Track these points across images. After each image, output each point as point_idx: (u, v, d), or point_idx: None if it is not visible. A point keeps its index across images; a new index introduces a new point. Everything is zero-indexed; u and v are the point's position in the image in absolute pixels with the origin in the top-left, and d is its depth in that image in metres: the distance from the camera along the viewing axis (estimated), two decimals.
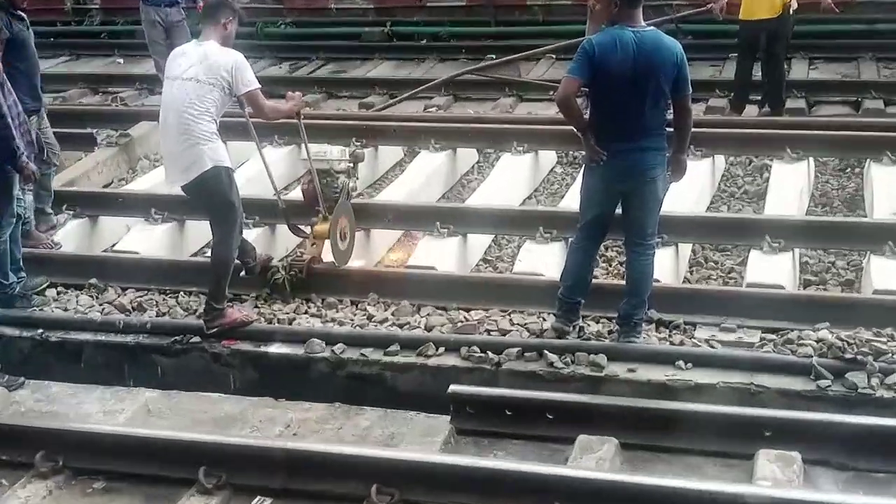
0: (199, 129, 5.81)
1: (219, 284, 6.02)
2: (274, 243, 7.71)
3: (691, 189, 7.75)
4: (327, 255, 6.74)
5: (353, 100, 12.48)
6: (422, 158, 9.31)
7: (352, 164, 6.87)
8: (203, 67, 5.82)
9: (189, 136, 5.81)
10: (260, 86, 5.92)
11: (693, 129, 5.57)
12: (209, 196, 5.96)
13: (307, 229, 6.82)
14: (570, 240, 6.46)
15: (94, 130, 10.16)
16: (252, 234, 7.41)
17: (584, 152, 5.56)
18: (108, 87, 13.19)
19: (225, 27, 5.98)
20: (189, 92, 5.80)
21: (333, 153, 6.72)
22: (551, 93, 11.59)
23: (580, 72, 5.22)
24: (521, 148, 9.09)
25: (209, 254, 6.43)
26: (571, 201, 7.86)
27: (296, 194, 7.72)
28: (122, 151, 9.63)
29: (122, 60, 15.12)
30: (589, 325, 5.99)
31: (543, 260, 6.88)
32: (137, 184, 8.95)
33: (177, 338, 6.09)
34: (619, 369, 5.46)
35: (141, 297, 6.71)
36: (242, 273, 6.52)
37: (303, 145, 6.64)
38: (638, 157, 5.37)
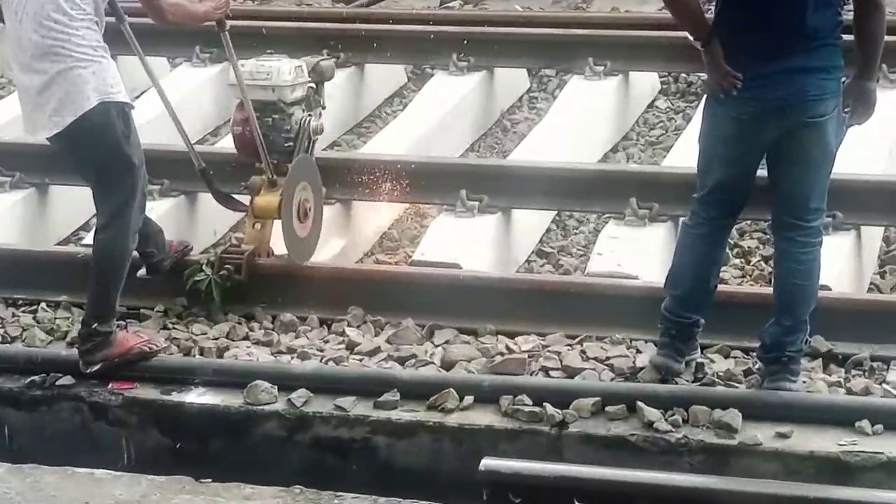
0: (73, 42, 5.83)
1: (106, 293, 6.05)
2: (194, 223, 7.78)
3: (883, 138, 7.69)
4: (279, 245, 6.77)
5: None
6: (436, 85, 9.34)
7: (313, 87, 6.87)
8: None
9: (58, 55, 5.83)
10: None
11: (887, 39, 5.57)
12: (93, 150, 5.99)
13: (247, 200, 6.85)
14: (681, 220, 6.45)
15: None
16: (159, 209, 7.44)
17: (704, 76, 5.56)
18: None
19: None
20: None
21: (282, 72, 6.71)
22: None
23: None
24: (601, 67, 9.13)
25: (89, 241, 6.43)
26: (683, 157, 7.87)
27: (228, 143, 7.74)
28: None
29: None
30: (712, 360, 5.99)
31: (636, 252, 6.89)
32: None
33: (35, 378, 6.10)
34: (762, 434, 5.45)
35: None
36: (142, 272, 6.56)
37: (230, 62, 6.65)
38: (797, 82, 5.38)
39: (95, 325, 6.02)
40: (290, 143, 6.73)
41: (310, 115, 6.81)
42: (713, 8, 5.58)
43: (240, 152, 6.80)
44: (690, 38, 5.60)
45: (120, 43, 6.79)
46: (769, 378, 5.66)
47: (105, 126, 5.91)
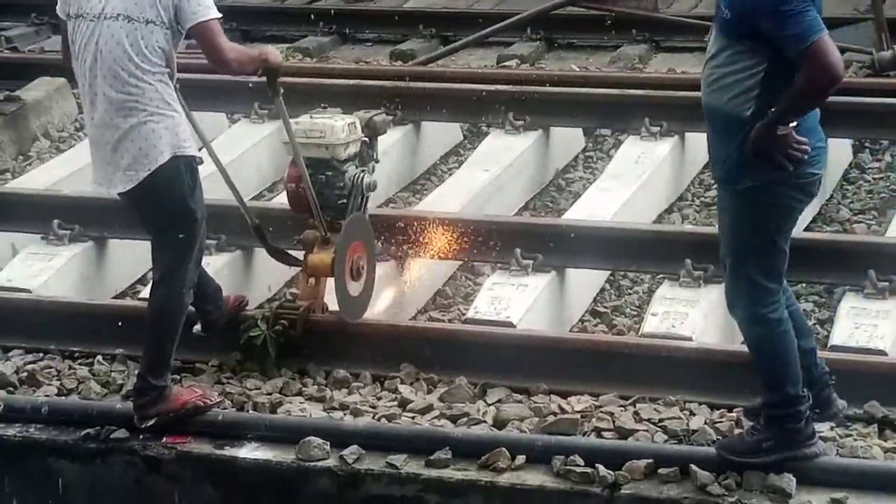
0: (147, 97, 5.89)
1: (161, 347, 6.08)
2: (250, 279, 7.80)
3: None
4: (334, 301, 6.78)
5: (381, 45, 12.58)
6: (492, 143, 9.35)
7: (366, 142, 6.89)
8: None
9: (132, 110, 5.89)
10: (220, 15, 6.00)
11: None
12: (160, 203, 6.03)
13: (301, 254, 6.86)
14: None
15: None
16: (216, 264, 7.48)
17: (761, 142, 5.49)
18: None
19: None
20: (120, 38, 5.87)
21: (335, 130, 6.73)
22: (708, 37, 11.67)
23: (818, 21, 5.31)
24: (657, 128, 9.15)
25: (146, 295, 6.46)
26: None
27: (284, 198, 7.75)
28: (7, 126, 9.78)
29: None
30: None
31: (691, 314, 6.87)
32: (31, 178, 9.08)
33: (90, 431, 6.11)
34: (816, 500, 5.41)
35: (33, 363, 6.77)
36: (198, 328, 6.58)
37: (283, 121, 6.66)
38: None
39: (150, 378, 6.03)
40: (344, 200, 6.74)
41: (363, 170, 6.82)
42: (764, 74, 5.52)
43: (293, 208, 6.82)
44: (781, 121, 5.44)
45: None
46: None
47: (174, 180, 5.97)
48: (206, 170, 8.28)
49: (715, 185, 8.90)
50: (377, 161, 7.02)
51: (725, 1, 5.37)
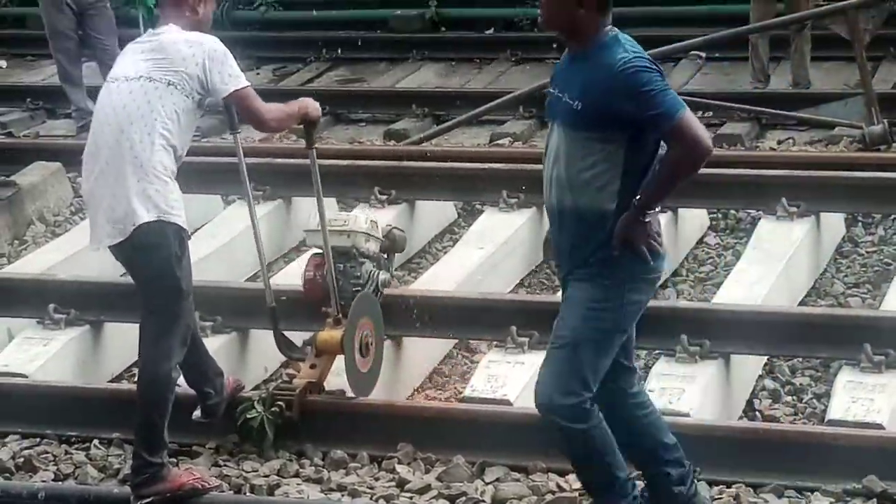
0: (146, 157, 5.94)
1: (151, 421, 6.05)
2: (245, 360, 7.79)
3: None
4: (331, 382, 6.76)
5: (374, 126, 12.63)
6: (487, 221, 9.37)
7: (386, 245, 6.97)
8: (158, 60, 6.00)
9: (133, 168, 5.94)
10: (249, 83, 6.15)
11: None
12: (145, 266, 6.06)
13: (306, 346, 6.93)
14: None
15: None
16: (212, 345, 7.41)
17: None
18: None
19: (195, 9, 6.16)
20: (136, 97, 5.96)
21: (359, 221, 6.86)
22: (700, 113, 11.74)
23: (678, 97, 5.25)
24: None
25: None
26: (733, 293, 7.86)
27: (284, 279, 7.75)
28: (3, 210, 9.78)
29: (4, 63, 15.49)
30: (766, 500, 5.95)
31: (687, 389, 6.86)
32: (26, 262, 9.08)
33: None
34: None
35: (30, 448, 6.75)
36: (197, 413, 6.56)
37: (316, 203, 6.74)
38: None
39: (146, 455, 6.00)
40: (359, 290, 6.81)
41: (377, 269, 6.91)
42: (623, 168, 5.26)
43: (307, 295, 6.87)
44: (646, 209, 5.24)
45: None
46: None
47: (160, 243, 5.97)
48: (202, 251, 8.39)
49: (709, 260, 9.04)
50: (392, 276, 7.12)
51: (574, 91, 5.23)
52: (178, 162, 6.07)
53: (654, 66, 5.21)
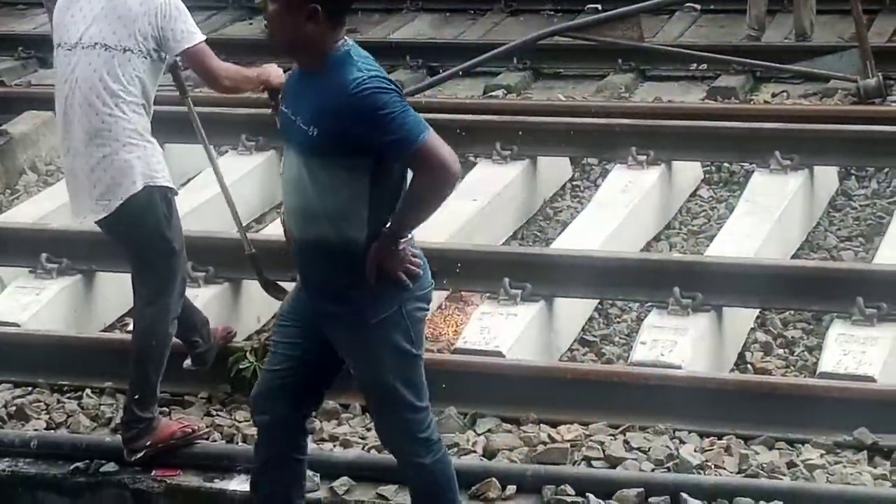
0: (120, 126, 5.87)
1: (146, 378, 6.03)
2: (238, 310, 7.76)
3: None
4: None
5: None
6: (480, 172, 9.35)
7: None
8: (110, 22, 5.88)
9: (105, 139, 5.88)
10: (204, 38, 6.00)
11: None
12: (135, 233, 6.03)
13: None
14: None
15: None
16: (204, 296, 7.45)
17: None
18: None
19: None
20: (97, 67, 5.87)
21: None
22: (695, 66, 11.70)
23: (421, 119, 4.79)
24: (644, 157, 9.14)
25: (131, 328, 6.44)
26: (726, 246, 7.84)
27: (274, 229, 7.70)
28: None
29: None
30: (756, 451, 5.93)
31: (679, 342, 6.84)
32: (19, 212, 9.07)
33: (79, 465, 6.08)
34: None
35: (22, 397, 6.75)
36: (188, 363, 6.55)
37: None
38: None
39: (137, 411, 6.00)
40: None
41: None
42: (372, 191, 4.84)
43: (288, 240, 6.76)
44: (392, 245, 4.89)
45: (173, 131, 6.86)
46: None
47: (148, 210, 5.94)
48: (194, 201, 8.36)
49: (702, 213, 9.00)
50: None
51: (306, 115, 4.79)
52: (150, 114, 6.01)
53: (392, 87, 4.74)
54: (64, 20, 6.01)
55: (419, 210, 4.85)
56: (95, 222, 6.06)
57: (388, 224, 4.83)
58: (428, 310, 5.13)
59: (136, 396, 6.02)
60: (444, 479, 5.21)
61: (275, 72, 6.25)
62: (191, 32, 5.94)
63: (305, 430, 5.37)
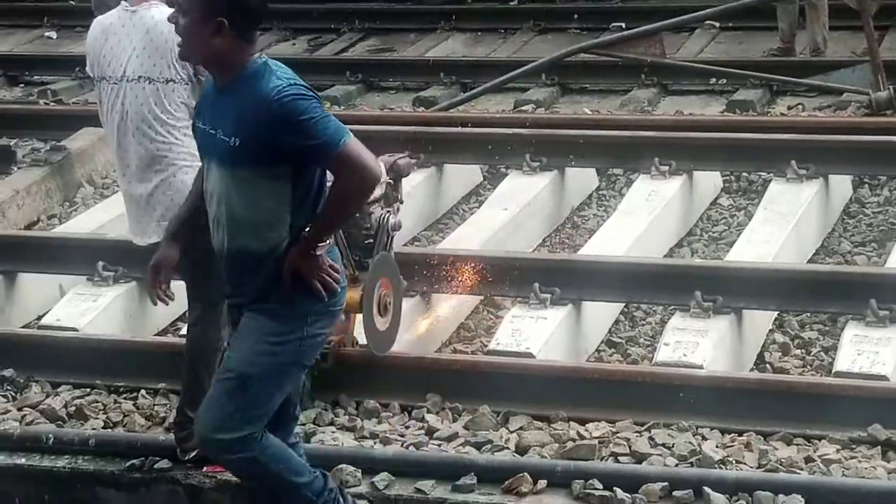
0: (175, 151, 5.94)
1: (199, 382, 6.04)
2: None
3: None
4: (364, 335, 6.78)
5: (405, 93, 12.62)
6: (511, 183, 9.38)
7: (391, 183, 6.90)
8: (150, 54, 5.88)
9: (162, 164, 5.94)
10: None
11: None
12: (192, 249, 5.98)
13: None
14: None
15: (12, 142, 10.39)
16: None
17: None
18: (32, 74, 13.52)
19: None
20: (144, 99, 5.91)
21: None
22: (715, 81, 11.73)
23: (341, 124, 4.80)
24: (666, 167, 9.16)
25: (185, 332, 6.50)
26: (745, 252, 7.85)
27: None
28: (53, 174, 9.84)
29: (54, 34, 15.50)
30: (775, 447, 5.95)
31: (701, 343, 6.87)
32: (77, 223, 9.13)
33: (135, 462, 6.11)
34: None
35: (81, 398, 6.79)
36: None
37: None
38: None
39: (189, 412, 5.98)
40: (370, 240, 6.72)
41: (388, 211, 6.79)
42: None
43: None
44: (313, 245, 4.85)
45: None
46: None
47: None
48: None
49: (722, 220, 9.03)
50: (401, 202, 7.03)
51: (228, 127, 4.75)
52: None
53: (312, 93, 4.74)
54: (102, 52, 6.01)
55: (340, 213, 4.84)
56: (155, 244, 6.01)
57: (308, 229, 4.81)
58: (332, 328, 5.10)
59: (189, 400, 6.04)
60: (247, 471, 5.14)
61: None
62: None
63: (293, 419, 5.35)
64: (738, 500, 5.47)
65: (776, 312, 7.57)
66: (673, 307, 7.39)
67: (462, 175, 9.92)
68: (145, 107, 5.91)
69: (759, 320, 7.44)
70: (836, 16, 12.40)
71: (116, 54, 5.96)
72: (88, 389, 6.88)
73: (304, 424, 6.38)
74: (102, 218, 9.00)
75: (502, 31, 14.43)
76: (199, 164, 5.87)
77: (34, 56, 14.12)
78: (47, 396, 6.83)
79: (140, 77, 5.91)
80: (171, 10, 5.71)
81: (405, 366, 6.77)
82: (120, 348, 7.14)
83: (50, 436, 6.34)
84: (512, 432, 6.25)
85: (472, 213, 9.33)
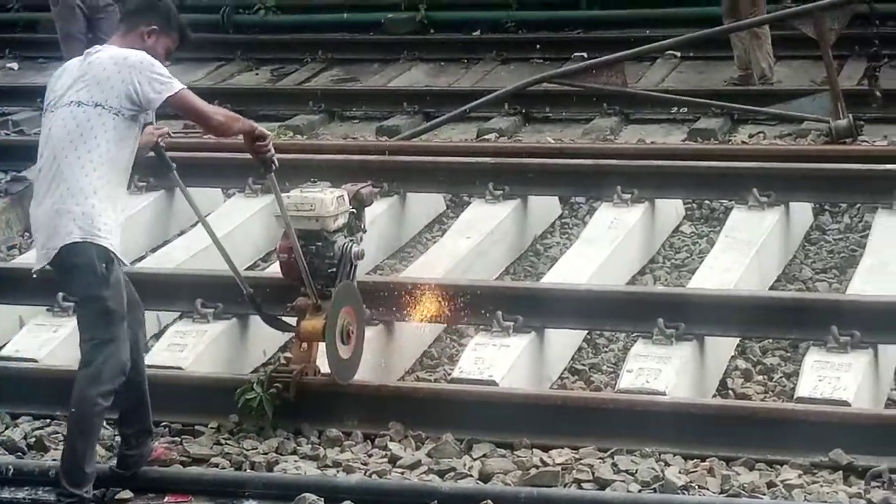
0: (75, 178, 5.75)
1: (75, 453, 5.81)
2: (245, 344, 7.77)
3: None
4: (326, 363, 6.75)
5: (368, 122, 12.63)
6: (474, 212, 9.38)
7: (354, 213, 6.88)
8: (86, 82, 5.83)
9: (59, 188, 5.79)
10: (182, 86, 5.89)
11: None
12: (69, 286, 5.97)
13: (294, 321, 6.84)
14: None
15: None
16: (213, 332, 7.53)
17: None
18: None
19: (144, 38, 5.99)
20: (67, 122, 5.81)
21: (325, 203, 6.68)
22: (676, 109, 11.78)
23: None
24: (629, 195, 9.16)
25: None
26: (707, 279, 7.86)
27: (275, 268, 7.74)
28: (13, 204, 9.83)
29: (16, 66, 15.47)
30: (737, 472, 5.96)
31: (664, 370, 6.86)
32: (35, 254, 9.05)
33: (95, 493, 6.04)
34: None
35: (41, 429, 6.77)
36: (113, 464, 6.27)
37: (275, 195, 6.63)
38: None
39: (67, 485, 5.79)
40: (333, 269, 6.72)
41: (351, 240, 6.79)
42: None
43: (286, 277, 6.80)
44: None
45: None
46: None
47: (84, 264, 5.76)
48: (205, 241, 8.37)
49: (684, 247, 9.05)
50: (364, 231, 7.02)
51: None
52: (123, 175, 5.88)
53: None
54: (54, 86, 5.98)
55: None
56: (49, 266, 5.86)
57: None
58: None
59: (67, 469, 5.81)
60: None
61: (258, 128, 6.22)
62: (169, 82, 5.82)
63: None
64: None
65: (738, 339, 7.58)
66: (636, 334, 7.40)
67: (425, 204, 9.91)
68: (66, 129, 5.78)
69: (722, 347, 7.45)
70: (795, 45, 12.51)
71: (63, 84, 5.92)
72: (48, 420, 6.85)
73: (266, 454, 6.39)
74: None
75: (465, 60, 14.49)
76: (98, 203, 5.73)
77: None
78: (6, 428, 6.80)
79: (71, 101, 5.83)
80: (129, 51, 5.78)
81: (368, 394, 6.76)
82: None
83: (10, 467, 6.30)
84: (475, 460, 6.25)
85: (434, 242, 9.32)
